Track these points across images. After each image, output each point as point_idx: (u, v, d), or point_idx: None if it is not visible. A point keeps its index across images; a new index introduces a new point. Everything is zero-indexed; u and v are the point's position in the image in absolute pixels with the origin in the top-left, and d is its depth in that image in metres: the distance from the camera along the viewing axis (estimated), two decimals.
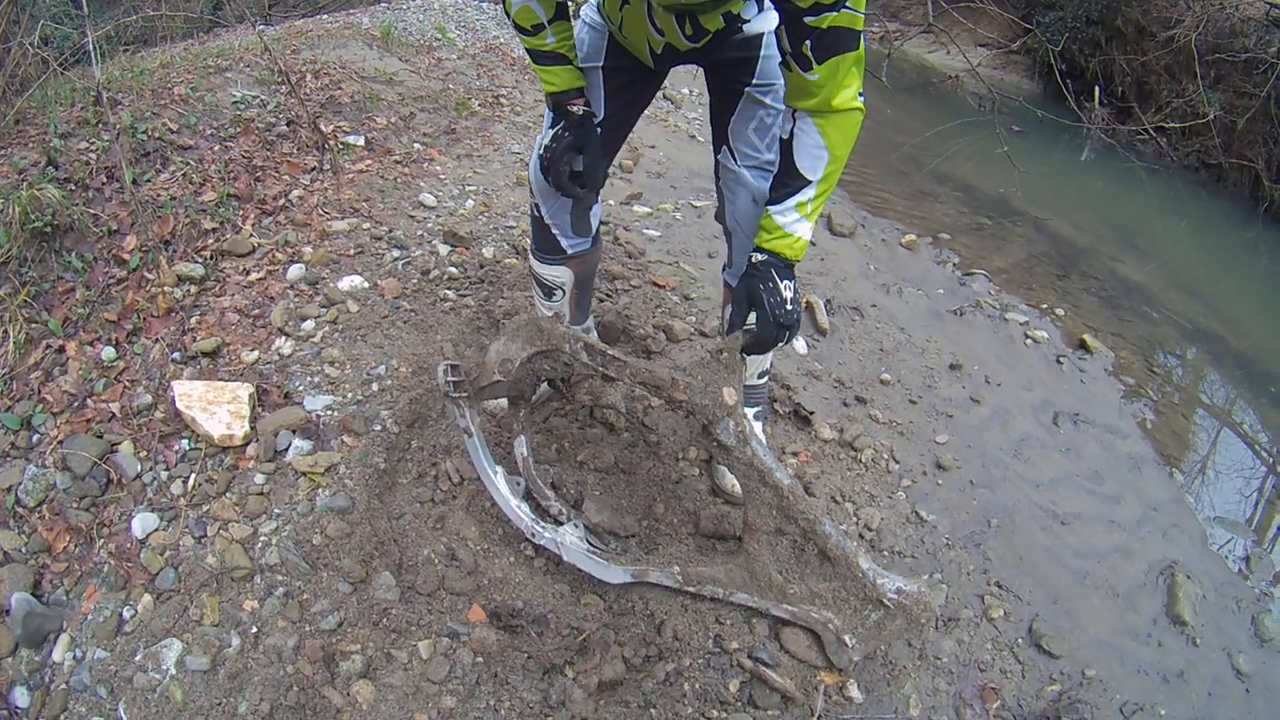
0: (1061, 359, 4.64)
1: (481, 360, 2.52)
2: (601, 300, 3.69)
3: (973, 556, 3.19)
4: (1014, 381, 4.31)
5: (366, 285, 3.46)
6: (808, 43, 1.87)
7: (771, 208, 2.17)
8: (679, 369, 2.32)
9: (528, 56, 2.39)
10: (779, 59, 2.04)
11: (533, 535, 2.58)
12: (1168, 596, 3.43)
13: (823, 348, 3.99)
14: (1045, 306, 5.17)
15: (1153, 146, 9.03)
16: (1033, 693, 2.83)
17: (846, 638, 2.42)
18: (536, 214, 2.68)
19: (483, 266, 3.72)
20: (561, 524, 2.61)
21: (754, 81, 2.35)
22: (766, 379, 3.08)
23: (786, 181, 2.13)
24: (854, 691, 2.50)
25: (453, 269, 3.66)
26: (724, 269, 2.80)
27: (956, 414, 3.87)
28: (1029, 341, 4.71)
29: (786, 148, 2.12)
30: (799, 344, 3.91)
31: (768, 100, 2.36)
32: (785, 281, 2.17)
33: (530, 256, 2.86)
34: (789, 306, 2.16)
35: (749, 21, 2.24)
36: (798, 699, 2.42)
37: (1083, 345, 4.78)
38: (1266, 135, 8.36)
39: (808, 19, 1.82)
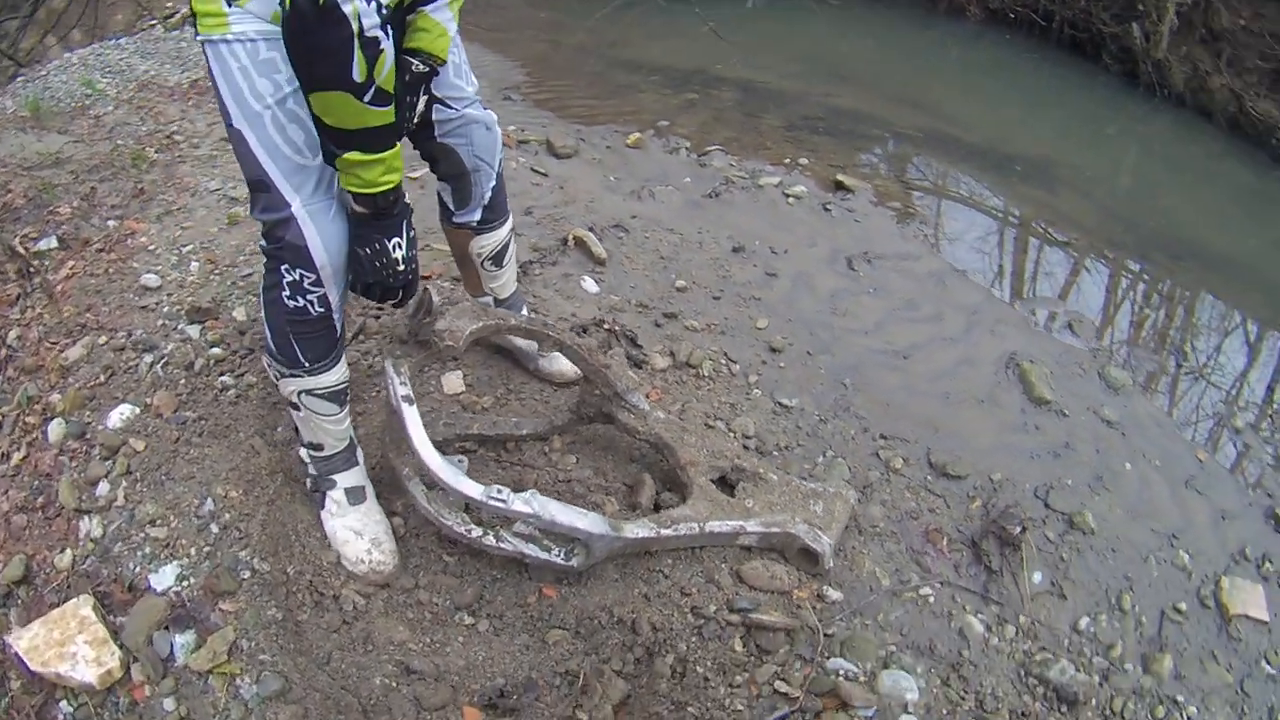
0: (828, 206, 4.99)
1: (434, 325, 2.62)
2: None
3: (849, 422, 3.47)
4: (797, 243, 4.58)
5: (138, 411, 3.06)
6: None
7: (427, 9, 2.24)
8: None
9: (362, 145, 2.01)
10: None
11: (479, 525, 2.58)
12: (1023, 384, 3.96)
13: (609, 277, 4.04)
14: (789, 161, 5.50)
15: None
16: (963, 515, 3.21)
17: (822, 535, 2.74)
18: (310, 313, 2.29)
19: (243, 333, 3.42)
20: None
21: None
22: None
23: None
24: (832, 593, 2.76)
25: (215, 350, 3.31)
26: (454, 215, 2.89)
27: (761, 294, 4.07)
28: (790, 200, 5.00)
29: None
30: (589, 283, 3.93)
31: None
32: (394, 239, 2.20)
33: (288, 380, 2.43)
34: (400, 268, 2.24)
35: None
36: (795, 626, 2.59)
37: (840, 187, 5.13)
38: None
39: None
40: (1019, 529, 3.14)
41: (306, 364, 2.34)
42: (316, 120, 1.93)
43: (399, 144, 2.08)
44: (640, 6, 8.25)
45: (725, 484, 2.92)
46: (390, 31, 1.82)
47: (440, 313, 2.68)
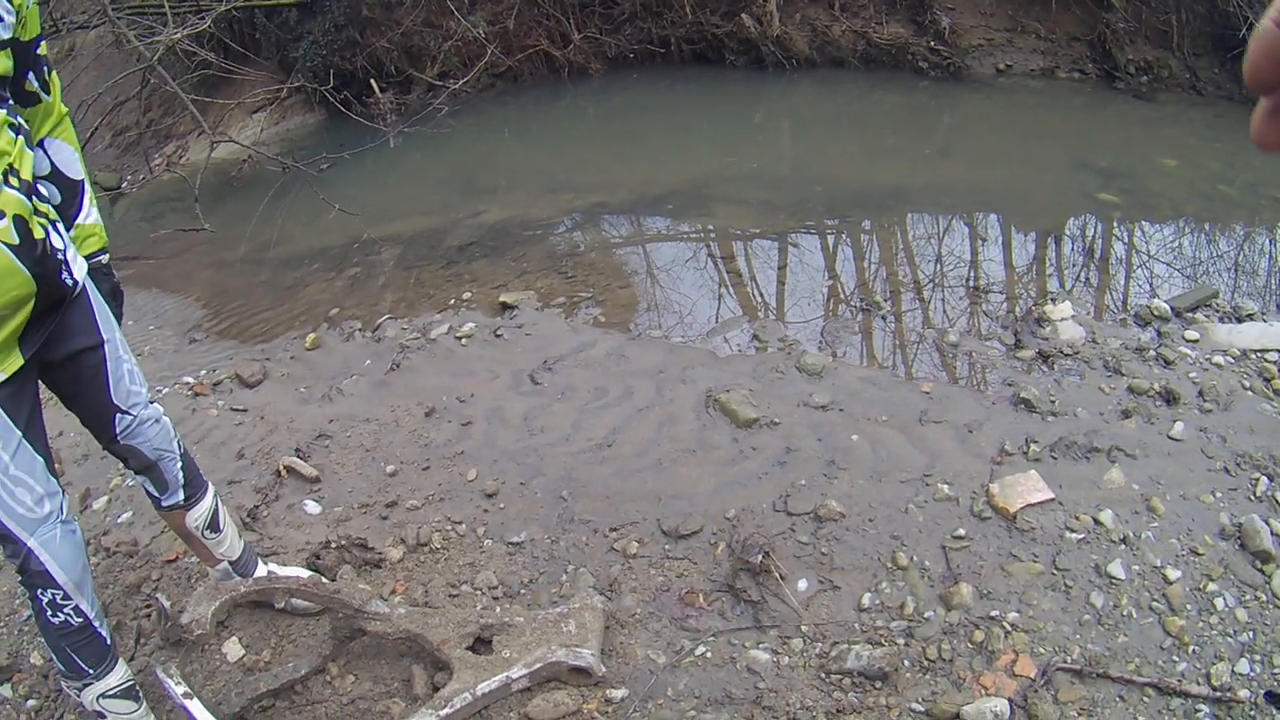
0: (498, 332, 5.33)
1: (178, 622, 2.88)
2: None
3: (578, 531, 3.78)
4: (480, 382, 4.89)
5: None
6: (44, 69, 2.45)
7: (78, 219, 2.69)
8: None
9: None
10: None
11: None
12: (726, 415, 4.35)
13: (327, 491, 4.23)
14: (454, 302, 5.82)
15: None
16: (710, 566, 3.57)
17: (581, 650, 3.03)
18: (72, 624, 2.65)
19: (46, 676, 3.48)
20: None
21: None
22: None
23: (69, 197, 2.67)
24: (616, 693, 3.05)
25: (31, 702, 3.37)
26: (161, 501, 3.06)
27: (462, 446, 4.36)
28: (464, 342, 5.31)
29: (57, 176, 2.62)
30: (311, 506, 4.13)
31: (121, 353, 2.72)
32: None
33: (84, 691, 2.81)
34: None
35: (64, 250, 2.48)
36: None
37: (506, 307, 5.46)
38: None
39: (36, 50, 2.38)
40: (760, 556, 3.46)
41: (90, 670, 2.71)
42: None
43: None
44: (287, 195, 8.46)
45: (482, 642, 3.19)
46: None
47: (179, 610, 2.95)
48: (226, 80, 10.93)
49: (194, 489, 3.10)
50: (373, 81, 10.61)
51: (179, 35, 8.93)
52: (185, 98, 8.79)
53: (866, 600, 3.40)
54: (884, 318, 5.26)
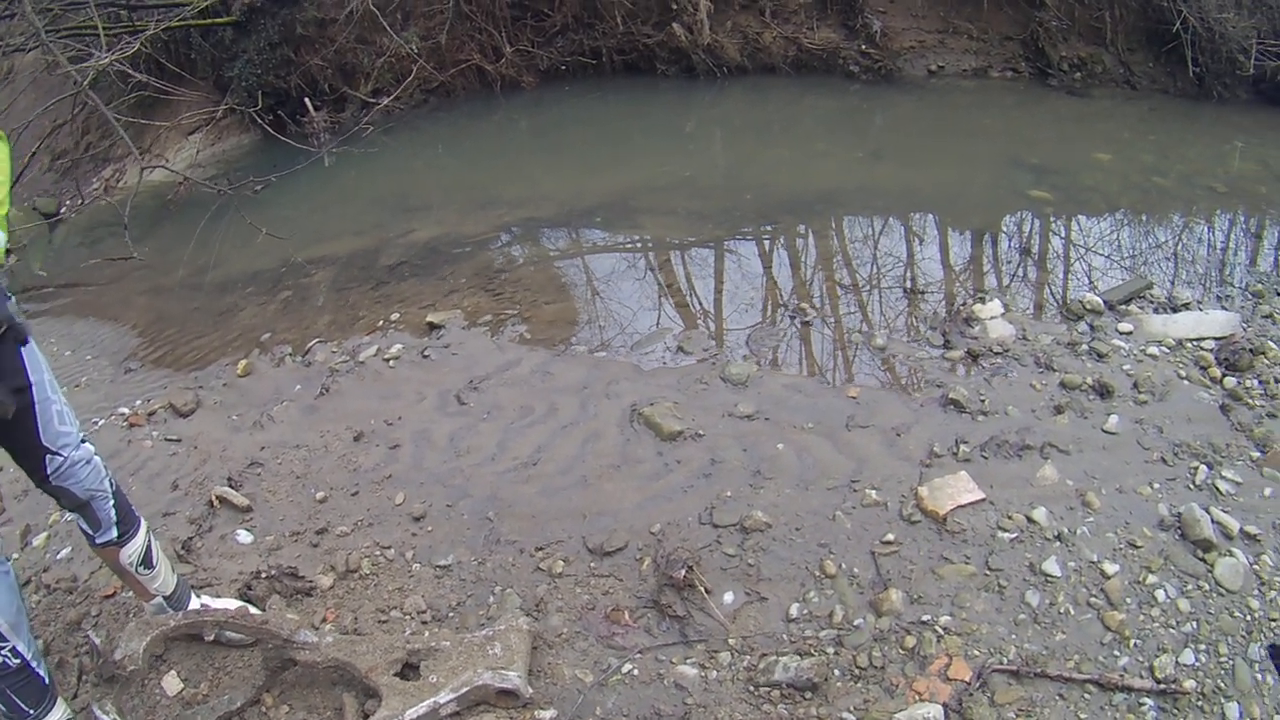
0: (425, 353, 5.27)
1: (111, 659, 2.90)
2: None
3: (504, 552, 3.76)
4: (408, 404, 4.83)
5: None
6: None
7: None
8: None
9: None
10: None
11: None
12: (651, 429, 4.33)
13: (259, 520, 4.15)
14: (382, 324, 5.74)
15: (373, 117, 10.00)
16: (636, 582, 3.56)
17: (507, 672, 3.01)
18: (10, 666, 2.67)
19: None
20: None
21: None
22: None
23: None
24: (544, 715, 3.02)
25: None
26: (95, 539, 3.01)
27: (390, 470, 4.31)
28: (391, 363, 5.25)
29: None
30: (243, 535, 4.05)
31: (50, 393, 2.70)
32: None
33: None
34: None
35: None
36: None
37: (433, 327, 5.41)
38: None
39: None
40: (684, 570, 3.43)
41: (30, 710, 2.71)
42: None
43: None
44: (223, 218, 8.33)
45: (410, 668, 3.14)
46: None
47: (112, 647, 2.95)
48: (164, 102, 10.75)
49: (126, 526, 3.05)
50: (307, 100, 10.49)
51: (108, 60, 8.75)
52: (115, 122, 8.61)
53: (794, 610, 3.39)
54: (810, 324, 5.26)
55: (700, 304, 5.66)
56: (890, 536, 3.65)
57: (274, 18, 10.63)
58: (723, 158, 8.60)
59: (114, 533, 3.00)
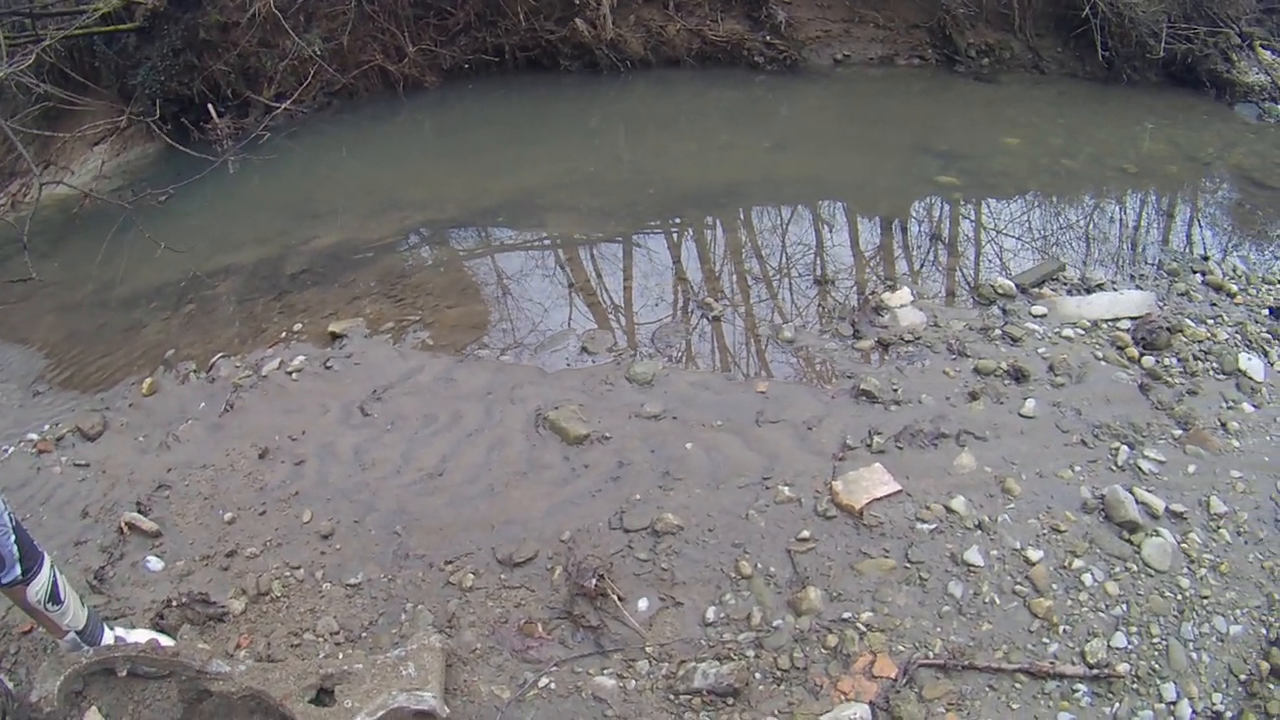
0: (328, 364, 5.17)
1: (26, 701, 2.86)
2: None
3: (414, 567, 3.71)
4: (311, 418, 4.75)
5: None
6: None
7: None
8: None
9: None
10: None
11: None
12: (557, 433, 4.32)
13: (169, 545, 4.06)
14: (285, 335, 5.62)
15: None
16: (549, 592, 3.53)
17: (422, 694, 2.99)
18: None
19: None
20: None
21: None
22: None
23: None
24: None
25: None
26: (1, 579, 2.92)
27: (296, 486, 4.25)
28: (294, 376, 5.14)
29: None
30: (153, 562, 3.95)
31: None
32: None
33: None
34: None
35: None
36: None
37: (335, 337, 5.36)
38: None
39: None
40: (595, 580, 3.42)
41: None
42: None
43: None
44: (129, 230, 8.10)
45: (325, 692, 3.10)
46: None
47: (24, 691, 2.92)
48: (69, 112, 10.38)
49: (30, 561, 2.97)
50: (210, 106, 10.22)
51: (6, 71, 8.45)
52: (14, 136, 8.35)
53: (711, 614, 3.38)
54: (718, 318, 5.26)
55: (606, 300, 5.64)
56: (806, 533, 3.65)
57: (177, 23, 10.30)
58: (627, 153, 8.57)
59: (17, 570, 2.91)
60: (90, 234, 8.40)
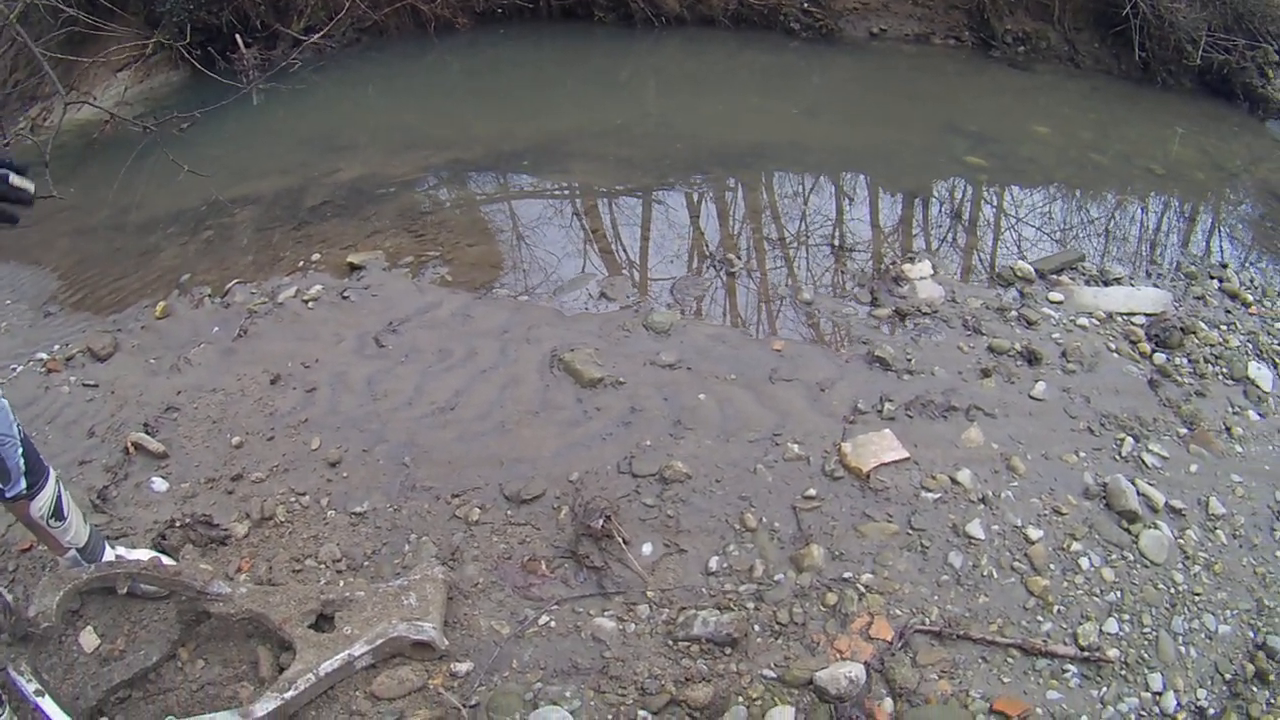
0: (345, 294, 5.08)
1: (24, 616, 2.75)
2: None
3: (420, 498, 3.63)
4: (325, 346, 4.66)
5: None
6: None
7: None
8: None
9: None
10: None
11: None
12: (571, 375, 4.24)
13: (174, 467, 3.96)
14: (303, 264, 5.53)
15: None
16: (554, 531, 3.46)
17: (422, 624, 2.92)
18: None
19: None
20: None
21: None
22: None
23: None
24: (461, 667, 2.95)
25: None
26: (5, 493, 2.84)
27: (306, 414, 4.16)
28: (310, 304, 5.05)
29: None
30: (158, 483, 3.87)
31: None
32: None
33: None
34: None
35: None
36: (442, 715, 2.79)
37: (354, 268, 5.23)
38: None
39: None
40: (601, 521, 3.35)
41: None
42: None
43: None
44: (149, 156, 7.99)
45: (325, 619, 3.03)
46: None
47: (23, 604, 2.79)
48: (94, 37, 10.22)
49: (36, 476, 2.89)
50: (238, 36, 10.06)
51: None
52: (43, 58, 8.19)
53: (714, 563, 3.33)
54: (736, 275, 5.17)
55: (626, 252, 5.53)
56: (812, 492, 3.60)
57: None
58: (656, 107, 8.42)
59: (23, 484, 2.83)
60: (109, 160, 8.30)
